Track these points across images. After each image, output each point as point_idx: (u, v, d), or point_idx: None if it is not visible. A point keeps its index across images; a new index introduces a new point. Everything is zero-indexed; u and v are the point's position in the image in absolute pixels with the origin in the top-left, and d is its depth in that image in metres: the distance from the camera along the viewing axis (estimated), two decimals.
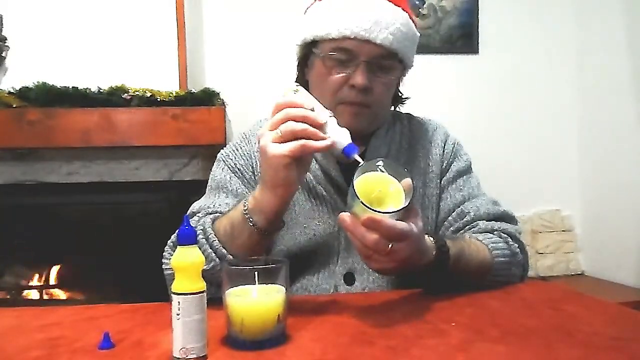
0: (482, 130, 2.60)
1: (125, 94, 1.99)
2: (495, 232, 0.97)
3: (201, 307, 0.58)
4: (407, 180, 0.72)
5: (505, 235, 0.97)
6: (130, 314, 0.79)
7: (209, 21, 2.36)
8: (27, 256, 2.26)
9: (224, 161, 1.04)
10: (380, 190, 0.72)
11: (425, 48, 2.57)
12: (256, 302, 0.63)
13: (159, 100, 2.00)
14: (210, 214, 0.92)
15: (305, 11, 1.02)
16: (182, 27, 2.14)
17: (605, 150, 2.52)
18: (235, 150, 1.05)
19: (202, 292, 0.59)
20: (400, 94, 1.09)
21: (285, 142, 0.75)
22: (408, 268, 0.77)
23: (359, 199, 0.68)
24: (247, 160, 1.03)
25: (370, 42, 0.91)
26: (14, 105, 1.95)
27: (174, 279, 0.59)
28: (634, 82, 2.33)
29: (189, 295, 0.58)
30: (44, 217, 2.14)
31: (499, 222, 0.99)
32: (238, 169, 1.02)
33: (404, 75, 1.05)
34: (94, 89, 2.00)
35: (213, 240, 0.83)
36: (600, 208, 2.55)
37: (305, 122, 0.75)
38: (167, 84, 2.08)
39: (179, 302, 0.57)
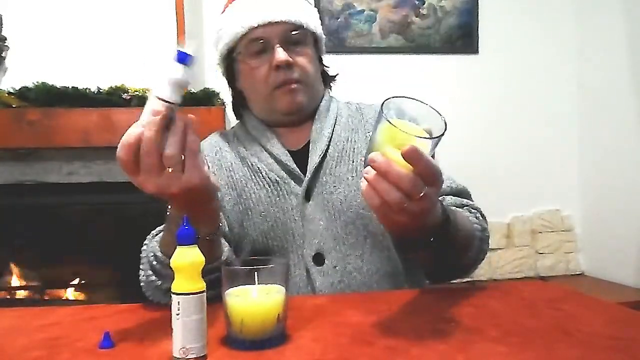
0: (482, 130, 2.60)
1: (125, 94, 1.99)
2: (465, 208, 0.98)
3: (201, 307, 0.58)
4: (426, 126, 0.66)
5: (475, 211, 0.98)
6: (130, 314, 0.79)
7: (209, 21, 2.36)
8: (27, 256, 2.26)
9: None
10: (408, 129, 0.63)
11: (425, 48, 2.57)
12: (256, 302, 0.63)
13: None
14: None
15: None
16: (182, 27, 2.14)
17: (605, 150, 2.52)
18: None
19: (202, 292, 0.59)
20: (328, 73, 1.14)
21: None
22: (420, 226, 0.71)
23: (395, 127, 0.60)
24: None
25: (274, 22, 0.99)
26: (14, 105, 1.95)
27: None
28: (634, 82, 2.33)
29: (188, 295, 0.57)
30: (44, 217, 2.15)
31: (465, 199, 1.01)
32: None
33: (322, 49, 1.10)
34: (93, 89, 2.00)
35: (151, 277, 0.85)
36: (600, 208, 2.55)
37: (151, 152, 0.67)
38: None
39: (178, 302, 0.57)
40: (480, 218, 0.97)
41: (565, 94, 2.67)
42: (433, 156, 0.65)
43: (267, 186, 1.02)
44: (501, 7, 2.61)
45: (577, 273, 2.65)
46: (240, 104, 1.13)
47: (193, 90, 2.06)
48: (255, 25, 0.99)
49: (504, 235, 2.60)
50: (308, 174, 1.01)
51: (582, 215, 2.66)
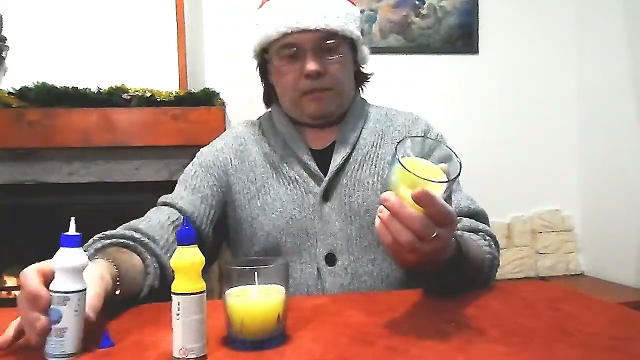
0: (482, 130, 2.60)
1: (125, 94, 1.99)
2: (480, 233, 0.96)
3: (201, 307, 0.58)
4: (443, 165, 0.67)
5: (489, 238, 0.97)
6: (130, 314, 0.79)
7: (209, 21, 2.37)
8: (27, 256, 2.26)
9: (197, 157, 1.11)
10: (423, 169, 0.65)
11: (425, 48, 2.57)
12: (256, 302, 0.63)
13: (158, 100, 2.00)
14: (166, 204, 1.02)
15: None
16: (182, 27, 2.14)
17: (605, 150, 2.52)
18: (210, 147, 1.12)
19: (202, 292, 0.59)
20: (362, 73, 1.13)
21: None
22: (433, 261, 0.70)
23: (409, 171, 0.61)
24: (217, 155, 1.08)
25: (307, 30, 0.96)
26: (14, 105, 1.95)
27: None
28: (634, 82, 2.33)
29: (188, 295, 0.57)
30: (44, 217, 2.14)
31: (481, 224, 1.00)
32: (206, 164, 1.08)
33: (361, 50, 1.07)
34: (93, 89, 2.00)
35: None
36: (600, 208, 2.55)
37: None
38: (167, 84, 2.08)
39: (178, 302, 0.57)
40: (493, 246, 0.96)
41: (565, 94, 2.66)
42: (449, 198, 0.66)
43: (286, 184, 1.03)
44: (501, 7, 2.61)
45: (577, 273, 2.65)
46: (270, 96, 1.12)
47: (193, 90, 2.06)
48: (289, 32, 0.97)
49: (504, 235, 2.60)
50: (328, 175, 1.01)
51: (582, 215, 2.66)
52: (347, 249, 0.99)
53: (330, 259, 0.99)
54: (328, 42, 0.98)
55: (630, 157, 2.35)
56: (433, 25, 2.57)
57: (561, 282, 2.44)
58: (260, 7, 1.05)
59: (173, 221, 0.98)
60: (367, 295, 0.93)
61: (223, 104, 2.10)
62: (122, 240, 0.88)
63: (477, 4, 2.58)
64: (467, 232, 0.95)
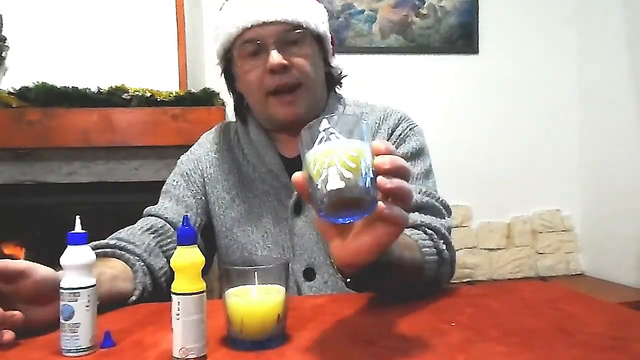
0: (482, 130, 2.60)
1: (125, 94, 1.99)
2: (421, 228, 0.87)
3: (201, 307, 0.58)
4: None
5: (431, 232, 0.87)
6: (130, 314, 0.79)
7: (209, 21, 2.36)
8: (27, 256, 2.26)
9: (178, 166, 1.08)
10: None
11: (425, 48, 2.57)
12: (256, 302, 0.63)
13: (158, 100, 2.01)
14: (152, 215, 0.98)
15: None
16: (182, 27, 2.14)
17: (605, 150, 2.52)
18: (189, 154, 1.09)
19: (202, 292, 0.59)
20: (334, 75, 1.05)
21: None
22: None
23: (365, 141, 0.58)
24: (196, 163, 1.06)
25: (269, 23, 0.92)
26: (14, 105, 1.95)
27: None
28: (634, 83, 2.33)
29: (188, 296, 0.57)
30: (44, 217, 2.15)
31: (427, 216, 0.90)
32: (186, 173, 1.05)
33: (328, 49, 1.02)
34: (93, 89, 2.00)
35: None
36: (600, 208, 2.55)
37: None
38: (167, 84, 2.08)
39: (178, 302, 0.57)
40: (437, 239, 0.86)
41: (565, 93, 2.67)
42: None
43: (259, 195, 1.00)
44: (501, 7, 2.61)
45: (577, 273, 2.65)
46: (243, 107, 1.06)
47: (193, 90, 2.06)
48: (249, 26, 0.92)
49: (504, 235, 2.61)
50: None
51: (582, 215, 2.66)
52: (325, 262, 0.95)
53: (309, 274, 0.96)
54: (291, 34, 0.93)
55: (630, 158, 2.36)
56: (433, 25, 2.57)
57: (561, 282, 2.44)
58: (220, 9, 1.00)
59: (157, 230, 0.95)
60: (367, 295, 0.93)
61: (223, 104, 2.10)
62: (100, 250, 0.86)
63: (477, 4, 2.59)
64: (408, 228, 0.86)
